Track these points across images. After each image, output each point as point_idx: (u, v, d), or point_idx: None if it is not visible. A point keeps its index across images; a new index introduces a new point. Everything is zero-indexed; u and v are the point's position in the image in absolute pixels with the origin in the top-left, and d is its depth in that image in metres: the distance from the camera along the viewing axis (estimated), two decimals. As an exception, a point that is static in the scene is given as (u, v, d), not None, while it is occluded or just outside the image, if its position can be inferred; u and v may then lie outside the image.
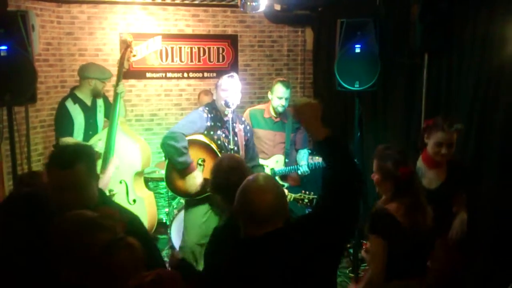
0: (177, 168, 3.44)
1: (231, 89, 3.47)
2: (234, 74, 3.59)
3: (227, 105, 3.42)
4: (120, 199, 3.98)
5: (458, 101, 3.66)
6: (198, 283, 2.09)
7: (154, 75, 5.86)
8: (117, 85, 4.20)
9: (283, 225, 1.73)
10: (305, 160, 4.05)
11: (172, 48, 5.86)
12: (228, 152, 3.40)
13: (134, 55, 4.39)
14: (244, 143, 3.63)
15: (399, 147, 2.59)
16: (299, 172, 4.02)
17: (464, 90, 3.60)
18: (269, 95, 4.20)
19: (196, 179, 3.42)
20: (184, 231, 3.65)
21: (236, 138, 3.53)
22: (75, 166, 1.94)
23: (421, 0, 3.66)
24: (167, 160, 3.57)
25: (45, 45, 5.23)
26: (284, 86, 4.08)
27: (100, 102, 4.41)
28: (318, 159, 4.07)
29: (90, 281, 1.35)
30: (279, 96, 4.09)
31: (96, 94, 4.33)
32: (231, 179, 2.29)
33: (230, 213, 2.32)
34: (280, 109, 4.14)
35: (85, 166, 1.97)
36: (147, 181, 5.13)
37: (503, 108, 3.25)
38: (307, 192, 3.77)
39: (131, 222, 2.05)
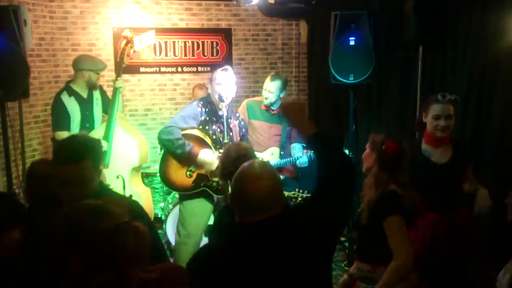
0: (181, 159, 3.43)
1: (225, 82, 3.46)
2: (228, 67, 3.58)
3: (221, 99, 3.42)
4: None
5: (453, 93, 3.66)
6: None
7: (148, 69, 5.84)
8: (116, 80, 4.19)
9: (281, 211, 1.71)
10: (300, 154, 4.06)
11: (165, 42, 5.83)
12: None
13: (134, 51, 4.36)
14: (239, 138, 3.63)
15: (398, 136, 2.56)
16: (297, 162, 4.02)
17: (459, 82, 3.61)
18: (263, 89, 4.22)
19: (207, 157, 3.38)
20: (180, 224, 3.64)
21: (231, 133, 3.53)
22: (81, 162, 1.91)
23: (415, -8, 3.66)
24: (161, 155, 3.57)
25: (38, 40, 5.19)
26: (270, 78, 4.12)
27: (97, 95, 4.40)
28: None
29: (96, 268, 1.33)
30: (264, 87, 4.15)
31: (91, 86, 4.31)
32: (239, 166, 2.31)
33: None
34: (265, 102, 4.16)
35: (91, 162, 1.95)
36: (142, 176, 5.13)
37: (498, 101, 3.25)
38: (301, 191, 3.75)
39: (133, 208, 2.04)
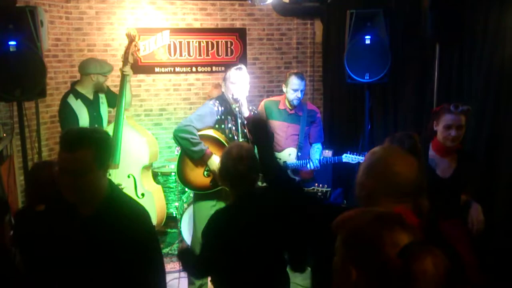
0: (195, 157, 3.44)
1: (239, 81, 3.46)
2: (242, 66, 3.56)
3: (235, 98, 3.42)
4: (128, 193, 3.99)
5: (471, 92, 3.61)
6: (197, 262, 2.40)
7: (163, 69, 5.86)
8: (123, 66, 4.17)
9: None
10: (318, 155, 4.02)
11: (180, 42, 5.85)
12: None
13: (138, 50, 4.35)
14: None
15: (417, 139, 2.51)
16: (308, 167, 3.99)
17: (476, 81, 3.55)
18: (284, 89, 4.15)
19: (218, 162, 3.41)
20: (193, 225, 3.66)
21: (245, 131, 3.52)
22: (81, 150, 1.81)
23: (432, -11, 3.61)
24: (179, 154, 3.57)
25: (54, 40, 5.25)
26: (298, 78, 4.04)
27: (101, 94, 4.41)
28: (328, 153, 4.04)
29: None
30: (294, 88, 4.03)
31: (99, 89, 4.31)
32: (239, 168, 2.33)
33: (233, 199, 2.42)
34: (295, 102, 4.08)
35: (93, 151, 1.84)
36: (156, 175, 5.15)
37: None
38: (320, 185, 3.74)
39: (138, 215, 2.01)
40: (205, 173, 3.50)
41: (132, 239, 1.89)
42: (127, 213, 1.98)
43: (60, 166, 1.86)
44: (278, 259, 2.46)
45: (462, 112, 2.83)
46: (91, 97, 4.30)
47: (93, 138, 1.87)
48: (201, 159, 3.44)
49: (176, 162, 3.64)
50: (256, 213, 2.33)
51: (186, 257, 2.50)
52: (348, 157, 3.91)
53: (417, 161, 1.68)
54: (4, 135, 4.50)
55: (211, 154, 3.42)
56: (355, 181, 1.72)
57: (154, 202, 4.14)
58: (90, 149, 1.83)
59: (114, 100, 4.32)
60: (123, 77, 4.17)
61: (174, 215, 5.10)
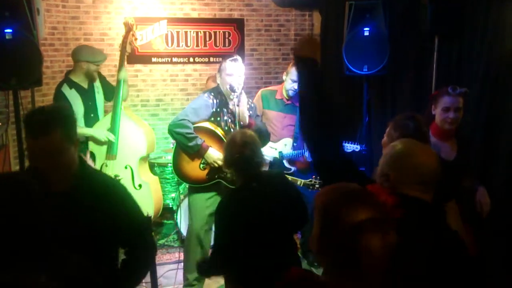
0: (191, 152, 3.43)
1: (235, 73, 3.41)
2: (238, 57, 3.51)
3: (232, 89, 3.37)
4: (125, 184, 3.95)
5: (469, 85, 3.60)
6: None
7: (160, 60, 5.82)
8: (119, 71, 4.18)
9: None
10: None
11: (177, 32, 5.81)
12: None
13: (136, 39, 4.32)
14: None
15: (420, 120, 2.49)
16: (306, 154, 3.99)
17: (475, 74, 3.54)
18: (284, 77, 4.13)
19: (215, 154, 3.41)
20: (189, 216, 3.65)
21: (241, 123, 3.49)
22: (49, 134, 1.78)
23: (431, -19, 3.59)
24: (174, 147, 3.56)
25: (50, 29, 5.19)
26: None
27: (97, 83, 4.36)
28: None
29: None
30: (293, 79, 3.98)
31: (90, 78, 4.26)
32: (245, 153, 2.49)
33: (242, 182, 2.55)
34: (291, 93, 4.06)
35: (60, 132, 1.82)
36: (153, 166, 5.13)
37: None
38: (318, 178, 3.74)
39: (111, 183, 2.10)
40: (201, 166, 3.49)
41: (110, 205, 1.95)
42: (101, 183, 2.04)
43: (31, 152, 1.86)
44: (289, 240, 2.62)
45: (460, 94, 2.83)
46: (85, 86, 4.25)
47: (58, 117, 1.86)
48: (197, 153, 3.42)
49: (172, 155, 3.62)
50: (266, 194, 2.47)
51: (207, 263, 2.61)
52: (343, 146, 3.91)
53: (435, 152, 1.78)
54: (0, 124, 4.47)
55: (207, 147, 3.40)
56: (376, 174, 1.83)
57: (151, 193, 4.13)
58: (57, 130, 1.81)
59: (111, 92, 4.30)
60: (119, 81, 4.16)
61: (171, 206, 5.10)
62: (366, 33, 3.94)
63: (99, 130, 4.08)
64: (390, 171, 1.74)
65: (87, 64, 4.18)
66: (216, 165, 3.40)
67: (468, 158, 2.96)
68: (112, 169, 4.03)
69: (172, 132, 3.44)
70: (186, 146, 3.40)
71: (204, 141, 3.41)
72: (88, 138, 4.12)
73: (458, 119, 2.85)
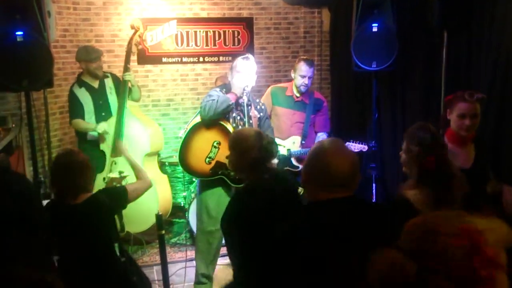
0: (228, 110, 3.39)
1: (246, 71, 3.41)
2: (250, 55, 3.51)
3: (243, 87, 3.38)
4: (131, 181, 4.01)
5: (479, 80, 3.57)
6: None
7: (170, 60, 5.85)
8: (124, 71, 4.31)
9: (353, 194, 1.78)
10: None
11: (187, 32, 5.84)
12: None
13: (143, 40, 4.45)
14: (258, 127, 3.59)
15: (433, 129, 2.46)
16: None
17: (484, 68, 3.51)
18: (292, 74, 4.14)
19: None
20: (197, 214, 3.66)
21: (251, 121, 3.50)
22: None
23: (439, -24, 3.57)
24: (182, 138, 3.54)
25: (62, 31, 5.26)
26: (307, 64, 4.01)
27: (109, 83, 4.51)
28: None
29: None
30: (302, 74, 4.01)
31: (95, 76, 4.44)
32: (258, 156, 2.40)
33: (246, 183, 2.45)
34: (303, 89, 4.07)
35: None
36: (163, 165, 5.17)
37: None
38: None
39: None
40: (207, 160, 3.48)
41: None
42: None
43: None
44: None
45: (477, 100, 2.70)
46: (95, 85, 4.44)
47: None
48: (231, 106, 3.36)
49: (179, 146, 3.62)
50: (276, 193, 2.36)
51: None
52: (349, 146, 3.90)
53: (356, 156, 1.80)
54: (13, 125, 4.55)
55: (236, 95, 3.38)
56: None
57: (156, 190, 4.16)
58: None
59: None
60: (124, 82, 4.30)
61: (182, 205, 5.13)
62: (375, 29, 3.92)
63: (101, 124, 4.24)
64: (304, 167, 1.85)
65: (85, 63, 4.39)
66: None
67: (486, 165, 2.84)
68: (118, 166, 4.14)
69: (206, 110, 3.34)
70: (220, 108, 3.32)
71: (232, 94, 3.37)
72: (99, 138, 4.29)
73: (475, 126, 2.73)
